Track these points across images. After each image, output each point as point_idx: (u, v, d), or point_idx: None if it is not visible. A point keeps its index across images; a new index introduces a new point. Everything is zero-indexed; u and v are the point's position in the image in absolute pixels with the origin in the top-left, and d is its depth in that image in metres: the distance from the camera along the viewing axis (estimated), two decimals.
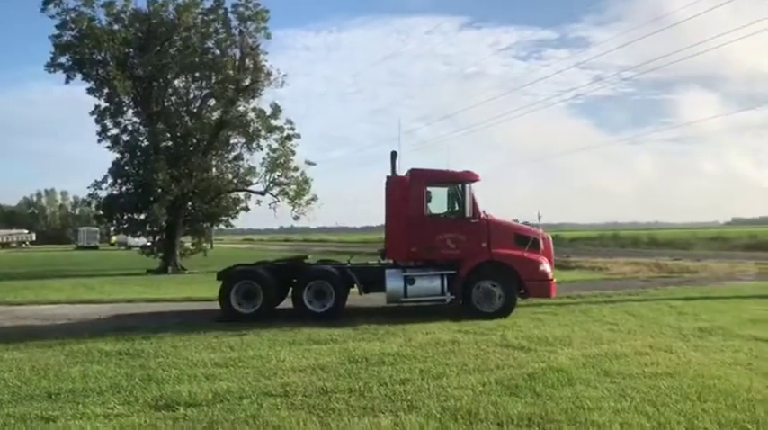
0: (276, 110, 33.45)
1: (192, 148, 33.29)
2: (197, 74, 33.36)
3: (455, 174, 13.65)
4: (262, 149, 33.99)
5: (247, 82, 32.65)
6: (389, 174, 14.02)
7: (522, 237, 13.48)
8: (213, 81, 33.30)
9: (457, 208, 13.72)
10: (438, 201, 14.02)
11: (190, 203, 33.89)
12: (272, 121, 33.58)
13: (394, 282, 13.24)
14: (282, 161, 33.71)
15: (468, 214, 13.39)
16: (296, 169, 33.87)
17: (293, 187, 33.65)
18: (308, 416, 6.14)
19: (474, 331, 11.02)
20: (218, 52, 32.98)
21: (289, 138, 33.81)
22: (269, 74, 32.73)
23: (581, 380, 7.38)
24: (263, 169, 34.02)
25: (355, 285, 13.63)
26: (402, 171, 14.05)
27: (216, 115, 33.50)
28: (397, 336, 10.63)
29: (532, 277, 13.13)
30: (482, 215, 13.54)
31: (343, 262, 14.83)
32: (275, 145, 33.76)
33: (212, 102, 33.92)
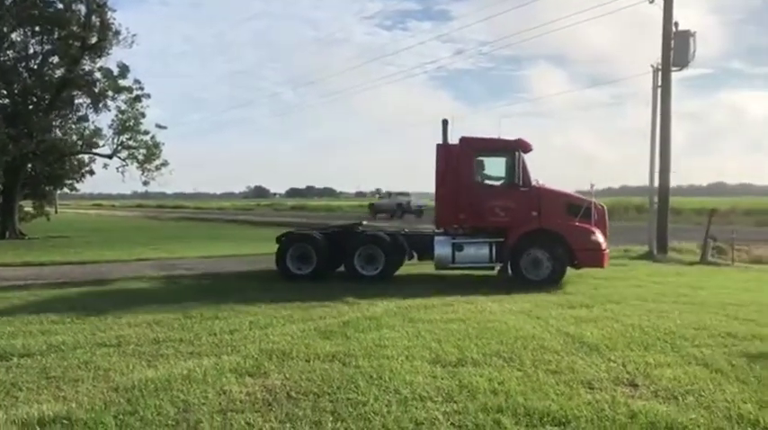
0: (124, 69, 32.30)
1: (32, 107, 31.40)
2: (37, 28, 31.36)
3: (506, 142, 13.62)
4: (109, 111, 32.79)
5: (94, 40, 31.15)
6: (440, 142, 14.00)
7: (575, 206, 13.50)
8: (56, 37, 31.41)
9: (507, 176, 13.71)
10: (488, 168, 14.12)
11: (30, 165, 32.11)
12: (120, 82, 32.45)
13: (442, 249, 13.49)
14: (131, 124, 32.78)
15: (518, 182, 13.37)
16: (146, 132, 33.11)
17: (142, 151, 32.92)
18: (138, 360, 6.80)
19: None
20: (61, 6, 31.12)
21: (138, 99, 32.88)
22: (117, 32, 31.40)
23: (387, 326, 8.58)
24: (111, 131, 32.91)
25: (413, 252, 14.19)
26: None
27: (59, 73, 31.74)
28: (236, 294, 11.42)
29: (583, 246, 13.09)
30: (533, 183, 13.55)
31: (397, 229, 15.46)
32: (124, 106, 32.71)
33: (55, 59, 32.06)
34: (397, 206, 51.34)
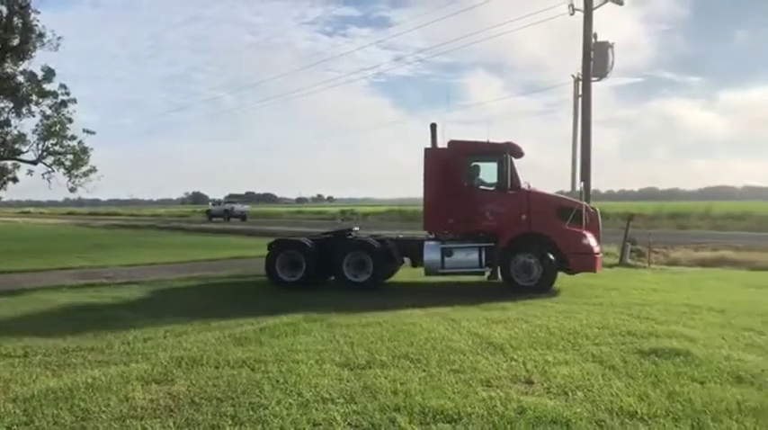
0: (49, 73, 31.55)
1: None
2: None
3: (495, 145, 13.54)
4: (34, 116, 31.82)
5: (15, 42, 30.26)
6: (428, 146, 13.90)
7: (565, 210, 13.33)
8: None
9: (496, 179, 13.53)
10: (477, 172, 13.95)
11: None
12: (45, 86, 31.58)
13: (431, 254, 13.34)
14: (57, 129, 31.89)
15: (507, 186, 13.25)
16: (73, 138, 32.31)
17: (70, 157, 32.09)
18: (43, 370, 6.69)
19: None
20: None
21: (64, 104, 32.06)
22: (41, 34, 30.65)
23: (304, 331, 8.67)
24: (36, 137, 31.93)
25: (403, 259, 14.13)
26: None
27: None
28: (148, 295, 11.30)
29: (574, 250, 12.91)
30: (523, 187, 13.45)
31: (390, 234, 15.29)
32: (49, 111, 31.83)
33: None
34: (224, 211, 59.73)
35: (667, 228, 37.16)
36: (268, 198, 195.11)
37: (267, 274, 13.97)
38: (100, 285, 14.12)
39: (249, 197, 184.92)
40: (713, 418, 5.07)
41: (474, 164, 13.79)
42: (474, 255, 13.18)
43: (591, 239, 13.06)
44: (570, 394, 5.76)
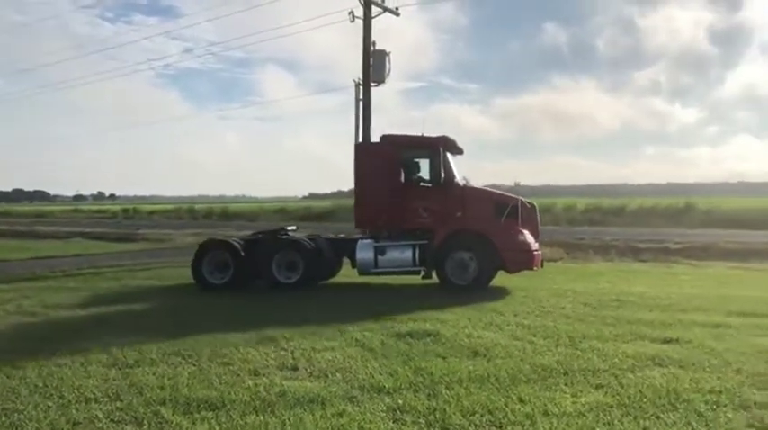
0: None
1: None
2: None
3: (429, 139, 13.06)
4: None
5: None
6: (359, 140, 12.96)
7: (501, 206, 12.77)
8: None
9: (430, 175, 13.02)
10: (410, 168, 13.30)
11: None
12: None
13: (363, 253, 12.80)
14: None
15: (441, 181, 12.77)
16: None
17: None
18: None
19: None
20: None
21: None
22: None
23: None
24: None
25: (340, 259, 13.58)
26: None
27: None
28: None
29: (510, 247, 12.34)
30: (458, 182, 12.97)
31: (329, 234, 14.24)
32: None
33: None
34: None
35: None
36: (40, 195, 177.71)
37: (194, 277, 13.24)
38: None
39: (16, 194, 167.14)
40: (446, 387, 5.88)
41: (407, 158, 13.31)
42: (408, 254, 12.74)
43: (527, 236, 12.62)
44: (330, 376, 6.31)
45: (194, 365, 6.74)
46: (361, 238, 13.35)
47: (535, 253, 12.66)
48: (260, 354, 7.19)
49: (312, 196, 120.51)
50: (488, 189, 13.67)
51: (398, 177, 13.14)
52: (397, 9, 21.15)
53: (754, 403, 5.33)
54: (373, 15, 20.39)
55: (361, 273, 13.10)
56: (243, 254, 13.01)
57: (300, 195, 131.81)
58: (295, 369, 6.62)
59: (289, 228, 14.96)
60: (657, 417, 5.05)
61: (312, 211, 52.70)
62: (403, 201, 13.04)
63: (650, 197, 51.98)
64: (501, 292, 11.96)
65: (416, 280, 12.97)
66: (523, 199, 13.02)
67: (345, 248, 13.56)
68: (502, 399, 5.47)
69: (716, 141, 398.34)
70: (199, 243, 14.13)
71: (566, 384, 5.95)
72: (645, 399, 5.45)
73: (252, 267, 13.04)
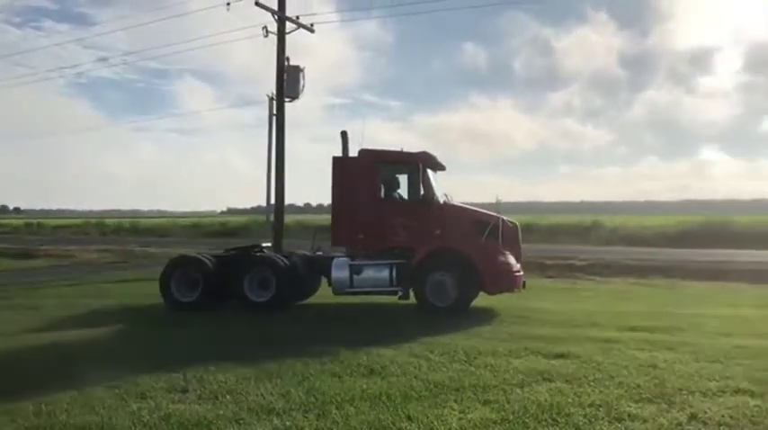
0: None
1: None
2: None
3: (409, 155, 12.62)
4: None
5: None
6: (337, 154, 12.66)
7: (482, 224, 12.22)
8: None
9: (409, 191, 12.54)
10: (389, 184, 12.79)
11: None
12: None
13: (338, 272, 12.21)
14: None
15: (420, 198, 12.30)
16: None
17: None
18: None
19: None
20: None
21: None
22: None
23: None
24: None
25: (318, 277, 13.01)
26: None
27: None
28: None
29: (490, 268, 11.79)
30: (437, 200, 12.47)
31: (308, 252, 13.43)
32: None
33: None
34: None
35: None
36: None
37: (162, 295, 12.53)
38: None
39: None
40: (337, 407, 5.86)
41: (385, 174, 12.85)
42: (385, 273, 12.13)
43: (508, 256, 12.15)
44: (220, 398, 6.17)
45: (77, 390, 6.43)
46: (337, 256, 12.76)
47: (516, 274, 12.20)
48: (150, 377, 6.95)
49: (231, 211, 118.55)
50: (469, 207, 13.19)
51: (376, 193, 12.73)
52: (312, 25, 21.18)
53: (628, 415, 5.57)
54: (288, 31, 20.36)
55: (336, 292, 12.52)
56: (214, 271, 12.49)
57: (219, 210, 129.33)
58: (185, 391, 6.44)
59: (263, 244, 14.37)
60: None
61: (228, 227, 51.75)
62: (381, 218, 12.58)
63: (563, 215, 53.93)
64: (403, 309, 12.07)
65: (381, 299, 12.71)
66: (505, 217, 12.57)
67: (321, 266, 12.87)
68: (390, 418, 5.50)
69: (625, 162, 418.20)
70: (171, 258, 13.54)
71: (455, 401, 6.04)
72: (528, 415, 5.59)
73: (223, 286, 12.47)
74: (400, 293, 12.16)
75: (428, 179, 12.52)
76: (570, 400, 6.01)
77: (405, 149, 12.96)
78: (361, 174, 12.65)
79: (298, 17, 20.76)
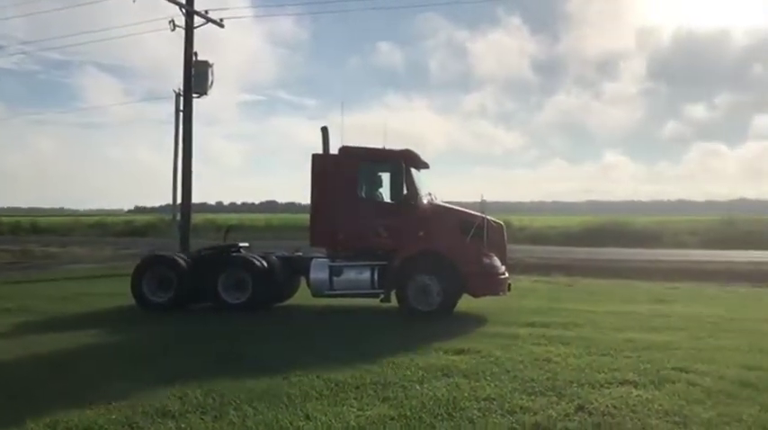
0: None
1: None
2: None
3: (391, 152, 12.12)
4: None
5: None
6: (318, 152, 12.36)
7: (466, 225, 11.73)
8: None
9: (391, 191, 12.00)
10: (370, 182, 12.35)
11: None
12: None
13: (318, 273, 11.80)
14: None
15: (402, 198, 11.77)
16: None
17: None
18: None
19: None
20: None
21: None
22: None
23: None
24: None
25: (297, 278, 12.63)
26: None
27: None
28: None
29: (474, 270, 11.30)
30: (421, 199, 12.00)
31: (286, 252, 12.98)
32: None
33: None
34: None
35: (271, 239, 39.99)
36: None
37: (133, 295, 12.16)
38: None
39: None
40: (235, 408, 5.79)
41: (367, 172, 12.38)
42: (366, 275, 11.73)
43: (493, 258, 11.71)
44: (113, 402, 5.97)
45: None
46: (317, 257, 12.40)
47: (501, 277, 11.87)
48: (45, 383, 6.66)
49: (138, 209, 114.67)
50: (453, 206, 12.79)
51: (357, 192, 12.29)
52: (221, 20, 20.83)
53: (520, 408, 5.78)
54: (196, 25, 19.96)
55: (315, 294, 12.11)
56: (187, 270, 12.13)
57: (126, 208, 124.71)
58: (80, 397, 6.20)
59: (241, 244, 13.72)
60: (433, 427, 5.33)
61: (133, 226, 50.10)
62: (362, 218, 12.08)
63: None
64: (319, 308, 12.09)
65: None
66: (490, 217, 12.18)
67: (300, 267, 12.46)
68: (288, 417, 5.50)
69: (534, 164, 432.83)
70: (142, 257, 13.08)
71: (355, 398, 6.10)
72: (425, 410, 5.72)
73: (197, 286, 12.08)
74: (382, 296, 11.81)
75: (411, 178, 12.13)
76: (466, 395, 6.19)
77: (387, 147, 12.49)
78: (341, 173, 12.23)
79: (207, 11, 20.37)
